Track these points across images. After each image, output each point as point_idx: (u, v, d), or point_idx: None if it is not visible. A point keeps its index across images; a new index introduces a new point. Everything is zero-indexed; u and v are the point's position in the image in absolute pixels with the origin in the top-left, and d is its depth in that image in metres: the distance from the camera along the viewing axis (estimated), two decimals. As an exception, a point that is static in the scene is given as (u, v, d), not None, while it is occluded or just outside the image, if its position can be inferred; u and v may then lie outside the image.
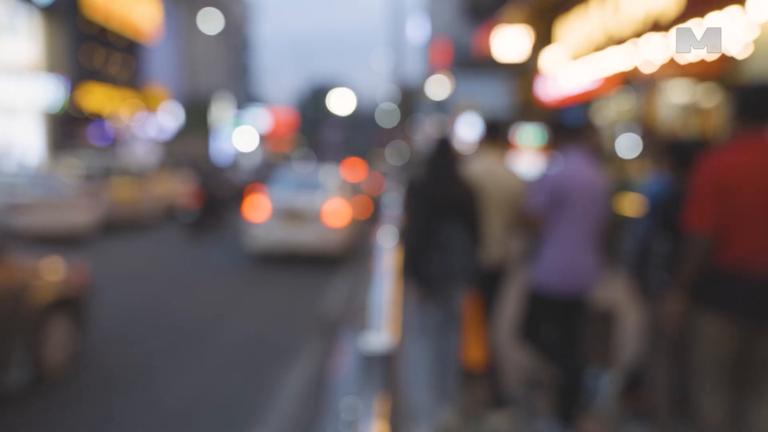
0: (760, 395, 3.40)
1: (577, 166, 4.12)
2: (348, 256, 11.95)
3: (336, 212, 11.73)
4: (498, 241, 4.55)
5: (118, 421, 4.80)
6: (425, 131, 32.24)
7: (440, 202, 4.32)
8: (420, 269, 4.32)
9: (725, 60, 7.36)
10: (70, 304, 5.67)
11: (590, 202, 4.08)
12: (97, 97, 25.58)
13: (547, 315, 4.18)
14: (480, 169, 4.70)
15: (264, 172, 20.60)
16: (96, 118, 25.86)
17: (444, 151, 4.51)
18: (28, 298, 5.18)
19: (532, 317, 4.22)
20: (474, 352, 4.70)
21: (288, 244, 11.47)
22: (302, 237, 11.47)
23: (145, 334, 6.93)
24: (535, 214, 4.17)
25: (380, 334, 2.30)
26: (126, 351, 6.33)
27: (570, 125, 4.33)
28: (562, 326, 4.22)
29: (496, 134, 4.94)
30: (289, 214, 11.48)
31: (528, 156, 15.74)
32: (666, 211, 3.87)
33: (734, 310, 3.33)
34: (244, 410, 5.11)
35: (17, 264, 5.22)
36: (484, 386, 4.73)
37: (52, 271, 5.58)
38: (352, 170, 17.34)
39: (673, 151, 4.05)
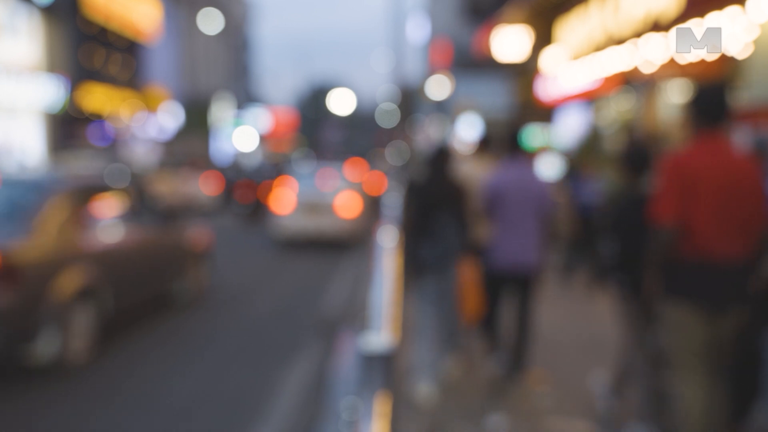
0: (718, 378, 3.59)
1: (511, 172, 5.14)
2: (358, 242, 13.73)
3: (348, 206, 13.77)
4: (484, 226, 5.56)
5: (238, 322, 7.87)
6: (425, 131, 32.23)
7: (434, 198, 5.28)
8: (417, 252, 5.27)
9: (725, 60, 7.36)
10: (207, 254, 8.99)
11: (524, 201, 5.04)
12: (97, 97, 25.58)
13: (501, 288, 5.23)
14: (469, 170, 5.99)
15: (272, 171, 21.26)
16: (96, 118, 25.85)
17: (441, 157, 5.48)
18: (191, 249, 8.47)
19: (491, 291, 5.29)
20: (470, 306, 5.68)
21: (309, 232, 13.57)
22: (321, 226, 13.55)
23: (223, 284, 9.87)
24: (481, 211, 5.24)
25: (380, 334, 2.30)
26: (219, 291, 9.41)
27: (506, 138, 5.34)
28: (516, 297, 5.21)
29: (489, 145, 6.16)
30: (310, 207, 13.55)
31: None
32: (616, 213, 4.32)
33: (700, 296, 3.52)
34: (245, 410, 5.11)
35: (183, 228, 8.42)
36: (479, 336, 5.73)
37: (200, 233, 8.86)
38: (355, 169, 17.63)
39: (630, 159, 4.39)
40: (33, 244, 5.68)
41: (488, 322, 5.44)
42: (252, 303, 8.71)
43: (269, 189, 17.56)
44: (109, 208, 6.91)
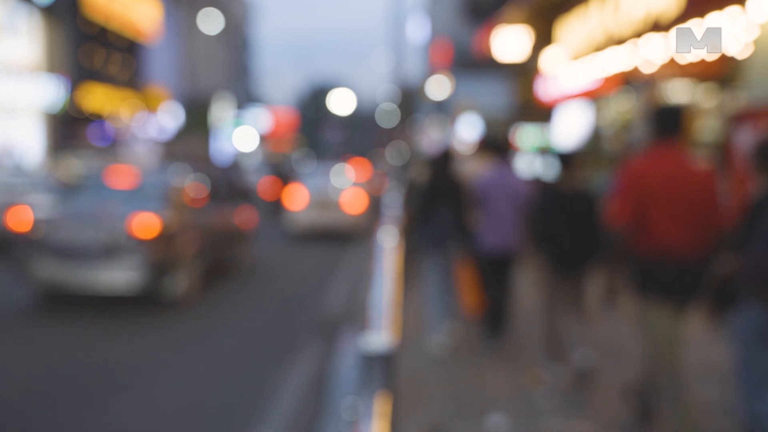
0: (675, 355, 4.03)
1: (496, 173, 6.19)
2: (362, 235, 14.71)
3: (354, 203, 15.38)
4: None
5: (272, 290, 9.91)
6: (425, 131, 32.19)
7: (437, 191, 6.45)
8: (419, 236, 6.62)
9: (725, 60, 7.36)
10: (253, 233, 11.73)
11: (505, 197, 6.05)
12: (97, 97, 25.58)
13: (488, 266, 6.20)
14: (471, 169, 7.06)
15: (277, 171, 22.71)
16: (96, 118, 25.85)
17: (445, 158, 6.70)
18: (242, 227, 10.98)
19: (482, 268, 6.29)
20: (469, 300, 6.70)
21: (320, 226, 15.13)
22: (330, 221, 15.13)
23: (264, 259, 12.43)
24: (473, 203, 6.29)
25: (380, 334, 2.30)
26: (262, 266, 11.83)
27: (494, 145, 6.50)
28: (500, 274, 6.19)
29: (490, 145, 6.68)
30: (320, 204, 15.11)
31: (527, 158, 15.73)
32: (546, 201, 5.51)
33: (664, 292, 3.94)
34: (245, 410, 5.12)
35: (237, 210, 10.97)
36: (478, 328, 6.48)
37: (248, 215, 11.41)
38: (359, 169, 18.02)
39: (561, 159, 5.53)
40: (170, 217, 8.38)
41: (488, 304, 6.34)
42: (263, 293, 9.69)
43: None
44: (202, 195, 9.65)
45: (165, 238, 8.14)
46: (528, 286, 7.59)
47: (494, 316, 6.24)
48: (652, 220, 3.93)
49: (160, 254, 8.02)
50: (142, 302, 8.22)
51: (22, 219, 8.55)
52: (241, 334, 7.44)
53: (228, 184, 21.52)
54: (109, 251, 7.84)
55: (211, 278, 9.56)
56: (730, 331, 3.79)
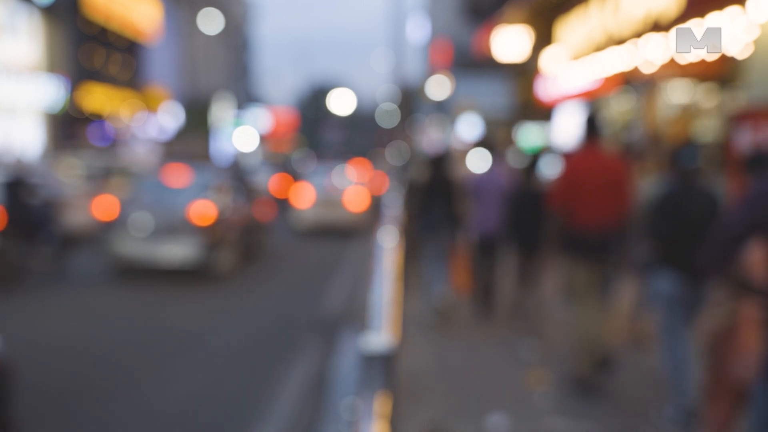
0: (593, 304, 5.20)
1: (489, 171, 7.56)
2: (364, 232, 15.39)
3: (357, 201, 16.47)
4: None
5: (291, 271, 11.64)
6: (425, 131, 32.19)
7: (433, 188, 7.57)
8: (418, 225, 7.79)
9: (725, 60, 7.36)
10: (271, 224, 13.50)
11: (493, 193, 7.16)
12: (97, 97, 25.57)
13: (479, 250, 7.40)
14: (466, 169, 8.59)
15: (286, 168, 23.72)
16: (96, 119, 25.83)
17: (442, 159, 7.92)
18: (262, 222, 12.68)
19: (473, 253, 7.53)
20: (460, 280, 7.97)
21: (325, 223, 16.11)
22: (335, 218, 16.14)
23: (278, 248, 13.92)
24: (466, 198, 7.50)
25: (380, 334, 2.30)
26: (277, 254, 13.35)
27: (486, 147, 8.20)
28: (489, 258, 7.34)
29: (483, 147, 8.18)
30: (326, 202, 16.10)
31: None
32: (514, 198, 6.79)
33: (581, 253, 5.14)
34: (245, 410, 5.11)
35: (257, 203, 12.67)
36: (468, 304, 7.66)
37: (267, 208, 13.24)
38: (360, 169, 18.27)
39: (529, 159, 6.92)
40: (217, 206, 10.34)
41: (477, 282, 7.56)
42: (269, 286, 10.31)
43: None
44: (235, 190, 11.55)
45: (215, 223, 10.08)
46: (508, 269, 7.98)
47: (484, 292, 7.35)
48: (580, 203, 5.07)
49: (212, 236, 9.92)
50: (195, 275, 9.97)
51: (107, 207, 10.45)
52: (256, 319, 8.18)
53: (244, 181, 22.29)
54: (172, 233, 9.74)
55: (244, 260, 11.22)
56: (650, 295, 4.92)
